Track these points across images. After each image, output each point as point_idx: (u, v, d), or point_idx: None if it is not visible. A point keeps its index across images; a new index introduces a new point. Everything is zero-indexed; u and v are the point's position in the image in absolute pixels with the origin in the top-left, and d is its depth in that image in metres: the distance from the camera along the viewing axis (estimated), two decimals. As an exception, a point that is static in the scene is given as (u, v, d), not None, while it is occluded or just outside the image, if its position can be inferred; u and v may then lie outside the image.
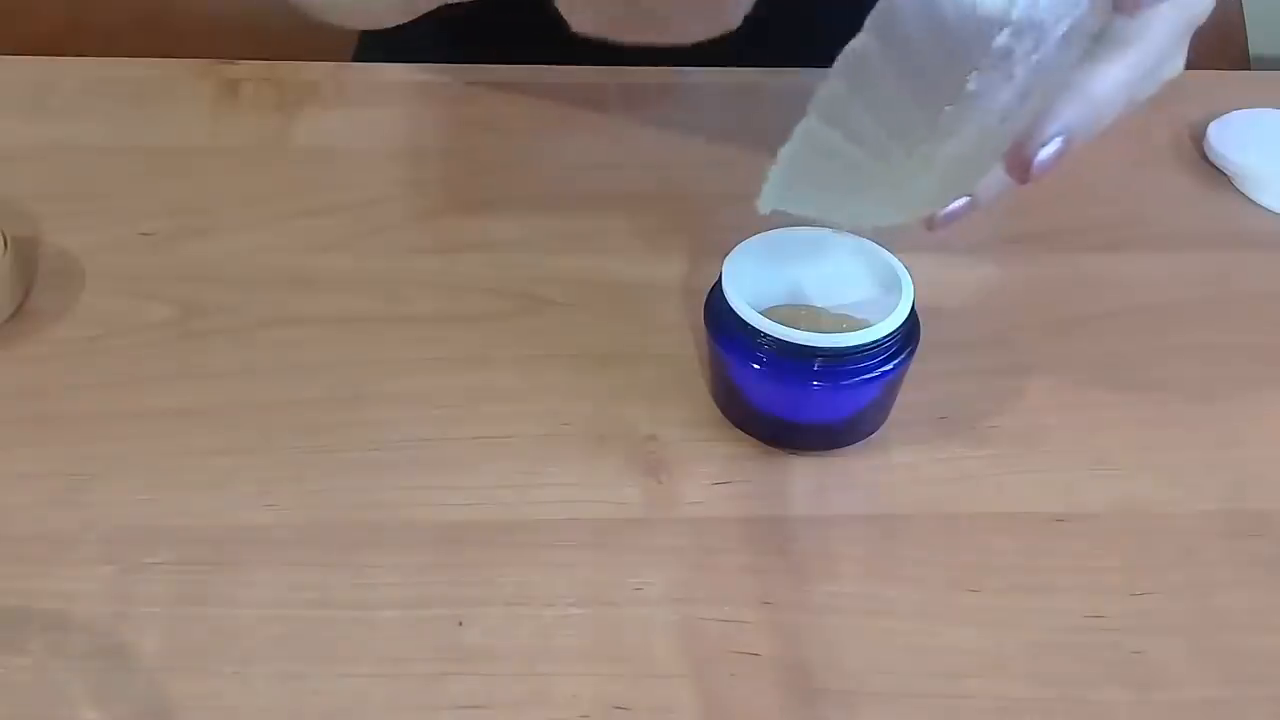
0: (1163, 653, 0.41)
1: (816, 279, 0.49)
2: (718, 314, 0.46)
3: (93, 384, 0.49)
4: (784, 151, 0.41)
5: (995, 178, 0.44)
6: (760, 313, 0.44)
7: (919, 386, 0.48)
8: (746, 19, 0.45)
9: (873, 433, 0.48)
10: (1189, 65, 0.46)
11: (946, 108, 0.37)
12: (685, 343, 0.52)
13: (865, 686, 0.40)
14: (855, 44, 0.37)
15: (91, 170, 0.60)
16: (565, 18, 0.45)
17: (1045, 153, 0.40)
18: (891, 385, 0.46)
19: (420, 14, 0.62)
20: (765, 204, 0.45)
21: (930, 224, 0.45)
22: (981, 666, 0.41)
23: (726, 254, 0.47)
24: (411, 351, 0.51)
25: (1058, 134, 0.40)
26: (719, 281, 0.46)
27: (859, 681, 0.40)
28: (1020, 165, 0.41)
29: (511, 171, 0.61)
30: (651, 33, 0.45)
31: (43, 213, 0.57)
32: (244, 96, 0.66)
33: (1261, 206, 0.62)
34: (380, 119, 0.65)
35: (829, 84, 0.39)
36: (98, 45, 0.69)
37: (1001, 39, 0.35)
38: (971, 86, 0.36)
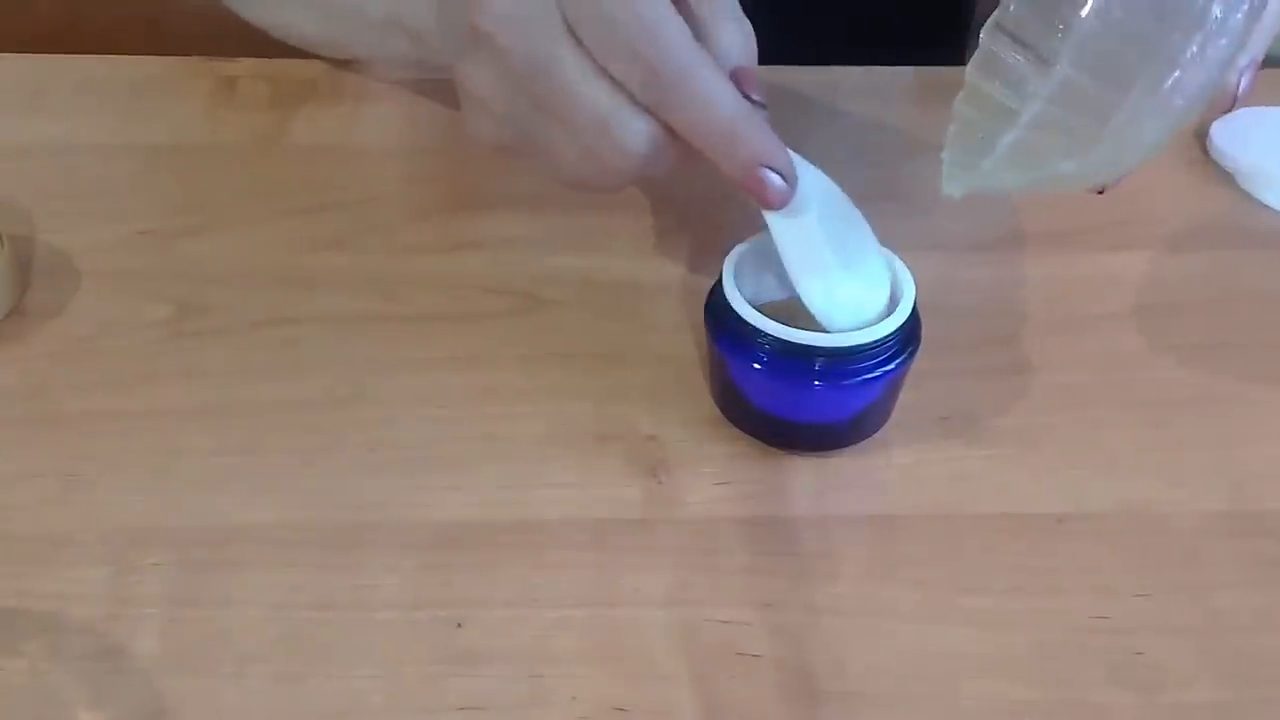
0: (1165, 654, 0.41)
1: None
2: (718, 314, 0.46)
3: (89, 383, 0.49)
4: (957, 108, 0.39)
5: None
6: (759, 308, 0.44)
7: (919, 386, 0.48)
8: (748, 20, 0.45)
9: (873, 433, 0.48)
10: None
11: (1196, 35, 0.35)
12: (685, 343, 0.52)
13: (866, 688, 0.40)
14: None
15: (88, 168, 0.60)
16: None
17: (1246, 81, 0.39)
18: (892, 385, 0.46)
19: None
20: (953, 188, 0.42)
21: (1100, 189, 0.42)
22: (983, 668, 0.41)
23: (726, 254, 0.47)
24: (411, 351, 0.51)
25: (1251, 61, 0.38)
26: (719, 281, 0.46)
27: (859, 683, 0.40)
28: (1227, 96, 0.39)
29: (511, 171, 0.61)
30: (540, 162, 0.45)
31: (39, 211, 0.57)
32: (241, 94, 0.65)
33: (1264, 205, 0.62)
34: (378, 117, 0.65)
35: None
36: (95, 43, 0.69)
37: None
38: (1216, 11, 0.34)
